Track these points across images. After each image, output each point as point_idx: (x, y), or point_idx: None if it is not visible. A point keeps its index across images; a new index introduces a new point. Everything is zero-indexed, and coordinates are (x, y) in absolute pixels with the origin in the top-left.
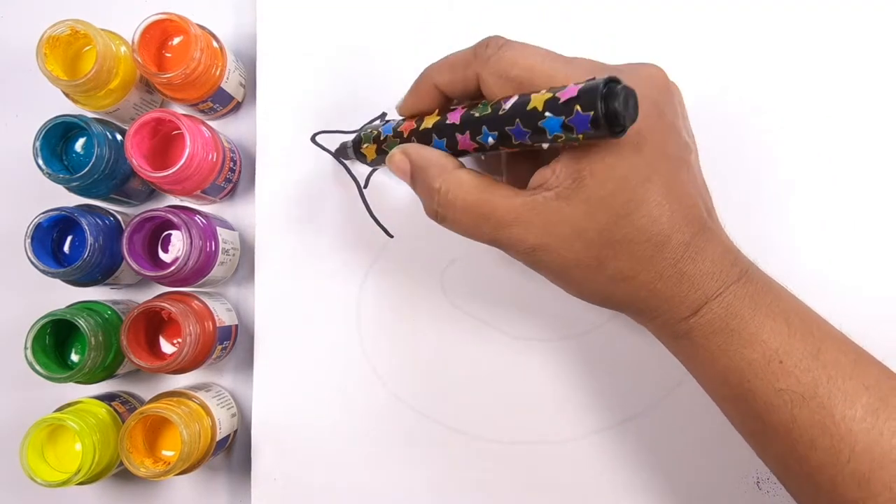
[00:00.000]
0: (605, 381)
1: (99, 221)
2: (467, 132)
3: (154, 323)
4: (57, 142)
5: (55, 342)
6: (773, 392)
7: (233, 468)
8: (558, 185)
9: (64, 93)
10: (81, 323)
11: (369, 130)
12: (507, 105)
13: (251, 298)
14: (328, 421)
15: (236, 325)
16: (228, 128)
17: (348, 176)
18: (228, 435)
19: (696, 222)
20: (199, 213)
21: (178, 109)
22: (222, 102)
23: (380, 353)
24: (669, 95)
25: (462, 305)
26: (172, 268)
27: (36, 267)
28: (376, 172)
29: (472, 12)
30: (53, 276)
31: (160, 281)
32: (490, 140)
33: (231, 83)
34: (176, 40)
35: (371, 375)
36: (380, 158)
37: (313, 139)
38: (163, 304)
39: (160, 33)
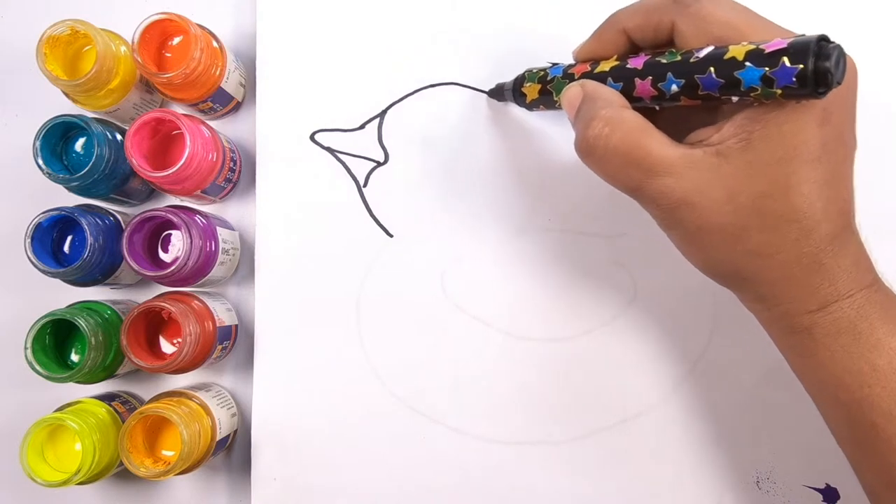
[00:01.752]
0: (605, 381)
1: (99, 221)
2: (649, 77)
3: (154, 323)
4: (57, 142)
5: (55, 342)
6: None
7: (233, 468)
8: (721, 142)
9: (64, 93)
10: (81, 323)
11: (534, 70)
12: (701, 54)
13: (251, 298)
14: (328, 421)
15: (236, 325)
16: (228, 128)
17: (348, 175)
18: (228, 435)
19: (846, 217)
20: (199, 213)
21: (178, 109)
22: (222, 102)
23: (380, 353)
24: (856, 82)
25: (462, 305)
26: (172, 268)
27: (36, 267)
28: (376, 171)
29: (472, 13)
30: (53, 276)
31: (160, 281)
32: (673, 87)
33: (231, 83)
34: (176, 40)
35: (371, 375)
36: (542, 99)
37: (313, 138)
38: (163, 304)
39: (160, 33)
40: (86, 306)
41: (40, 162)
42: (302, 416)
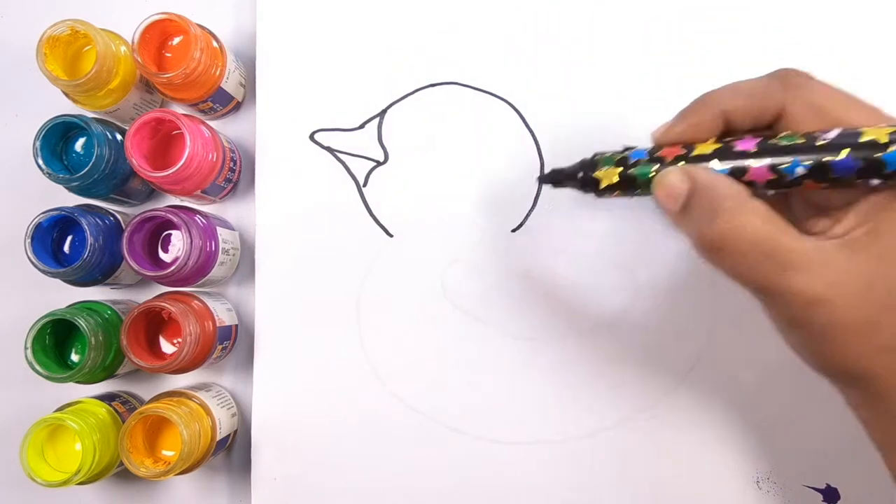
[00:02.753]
0: (605, 381)
1: (99, 221)
2: (767, 160)
3: (154, 323)
4: (57, 142)
5: (55, 342)
6: None
7: (233, 468)
8: (845, 233)
9: (64, 93)
10: (81, 323)
11: (607, 154)
12: (830, 136)
13: (251, 298)
14: (328, 421)
15: (236, 325)
16: (228, 128)
17: (348, 175)
18: (228, 435)
19: None
20: (199, 213)
21: (178, 109)
22: (222, 102)
23: (380, 353)
24: None
25: (462, 305)
26: (172, 268)
27: (36, 267)
28: (376, 171)
29: (472, 13)
30: (53, 276)
31: (160, 281)
32: (799, 170)
33: (231, 83)
34: (176, 40)
35: (371, 375)
36: (622, 185)
37: (313, 138)
38: (163, 304)
39: (160, 33)
40: (86, 306)
41: (40, 162)
42: (302, 416)
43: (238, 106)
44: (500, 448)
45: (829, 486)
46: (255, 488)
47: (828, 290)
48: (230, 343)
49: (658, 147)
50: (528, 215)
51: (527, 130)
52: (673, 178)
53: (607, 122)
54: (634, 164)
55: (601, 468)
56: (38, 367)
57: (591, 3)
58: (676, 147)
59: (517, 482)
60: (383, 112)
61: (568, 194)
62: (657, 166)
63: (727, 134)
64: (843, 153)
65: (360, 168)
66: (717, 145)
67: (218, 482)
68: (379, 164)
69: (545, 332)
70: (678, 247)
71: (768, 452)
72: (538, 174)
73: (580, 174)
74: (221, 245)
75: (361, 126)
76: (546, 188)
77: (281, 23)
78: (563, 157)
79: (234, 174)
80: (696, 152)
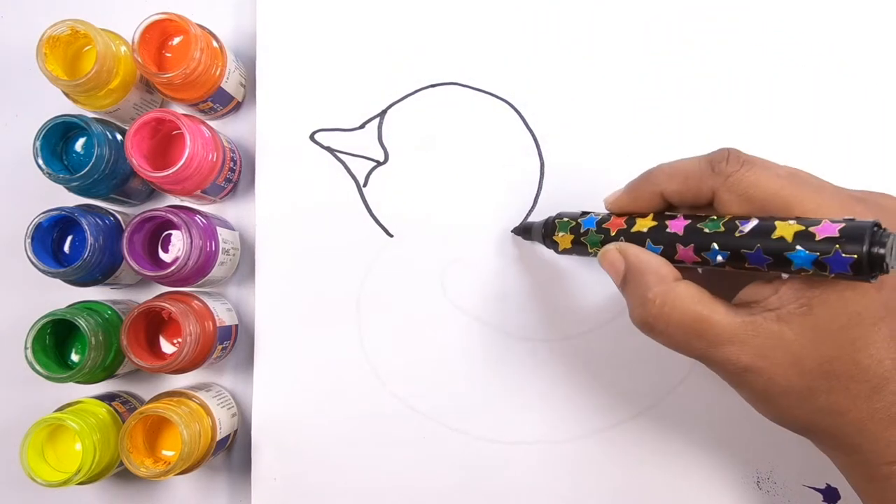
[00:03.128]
0: (605, 381)
1: (99, 221)
2: (691, 245)
3: (154, 323)
4: (57, 142)
5: (55, 342)
6: None
7: (233, 468)
8: (780, 306)
9: (64, 93)
10: (81, 323)
11: (565, 219)
12: (746, 227)
13: (251, 298)
14: (328, 421)
15: (236, 325)
16: (228, 128)
17: (348, 175)
18: (228, 435)
19: None
20: (199, 213)
21: (178, 109)
22: (222, 102)
23: (380, 353)
24: None
25: (462, 305)
26: (172, 268)
27: (36, 267)
28: (376, 171)
29: (472, 13)
30: (53, 276)
31: (160, 281)
32: (719, 258)
33: (231, 83)
34: (176, 40)
35: (371, 375)
36: (575, 249)
37: (313, 138)
38: (163, 304)
39: (160, 33)
40: (86, 306)
41: (40, 162)
42: (302, 416)
43: (238, 106)
44: (500, 448)
45: (829, 486)
46: (255, 488)
47: (757, 360)
48: (230, 343)
49: (606, 217)
50: (528, 215)
51: (527, 130)
52: (611, 255)
53: (607, 122)
54: (585, 234)
55: (601, 468)
56: (38, 367)
57: (591, 3)
58: (621, 219)
59: (517, 482)
60: (383, 112)
61: (568, 192)
62: (603, 237)
63: (670, 207)
64: (755, 247)
65: (360, 168)
66: (653, 223)
67: (218, 482)
68: (379, 164)
69: (545, 332)
70: None
71: (768, 452)
72: (513, 227)
73: (543, 232)
74: (221, 245)
75: (361, 126)
76: (546, 188)
77: (281, 23)
78: (563, 157)
79: (234, 174)
80: (634, 228)
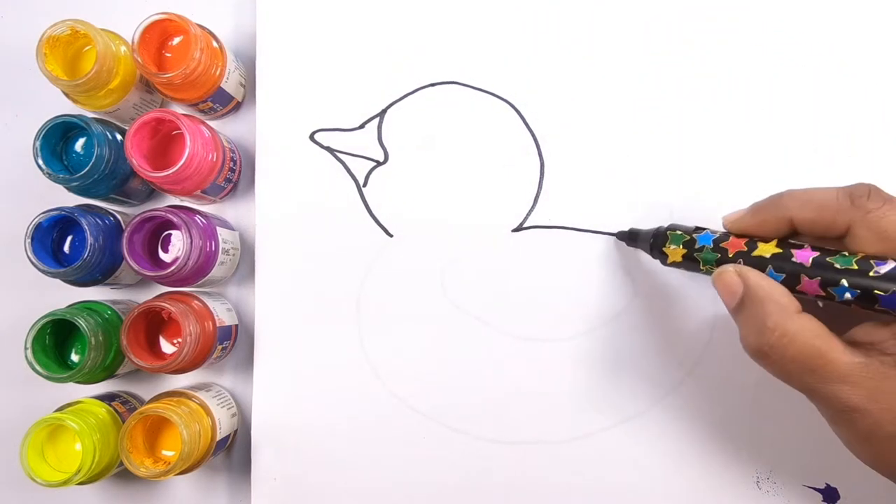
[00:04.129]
0: (606, 380)
1: (99, 221)
2: (818, 278)
3: (154, 323)
4: (57, 142)
5: (55, 342)
6: None
7: (233, 468)
8: None
9: (64, 93)
10: (81, 323)
11: (679, 232)
12: (882, 269)
13: (251, 298)
14: (328, 421)
15: (236, 325)
16: (228, 128)
17: (348, 175)
18: (228, 435)
19: None
20: (199, 213)
21: (178, 109)
22: (222, 102)
23: (380, 353)
24: None
25: (462, 305)
26: (172, 268)
27: (36, 267)
28: (376, 171)
29: (472, 12)
30: (53, 276)
31: (160, 281)
32: (847, 296)
33: (231, 83)
34: (176, 40)
35: (371, 375)
36: (685, 264)
37: (312, 138)
38: (163, 304)
39: (160, 33)
40: (86, 306)
41: (40, 162)
42: (302, 416)
43: (238, 106)
44: (500, 448)
45: (829, 486)
46: (255, 488)
47: (867, 402)
48: (230, 343)
49: (725, 236)
50: (528, 215)
51: (527, 130)
52: (729, 278)
53: (607, 122)
54: (700, 250)
55: (601, 468)
56: (38, 367)
57: (591, 3)
58: (741, 241)
59: (517, 482)
60: (383, 112)
61: (568, 192)
62: (719, 256)
63: (794, 234)
64: (891, 290)
65: (360, 168)
66: (778, 250)
67: (218, 482)
68: (379, 164)
69: (545, 332)
70: None
71: (768, 452)
72: (617, 232)
73: (651, 241)
74: (221, 245)
75: (361, 126)
76: (546, 188)
77: (281, 23)
78: (563, 157)
79: (234, 174)
80: (756, 252)
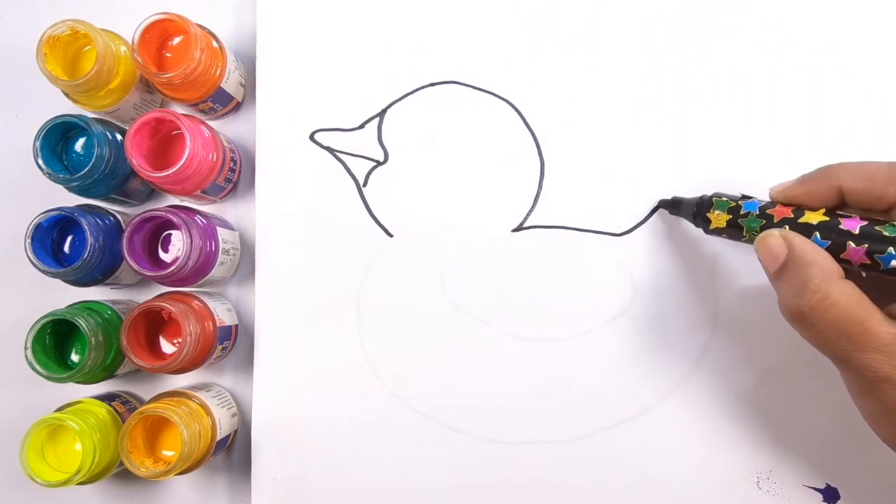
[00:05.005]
0: (605, 381)
1: (99, 221)
2: (864, 245)
3: (154, 323)
4: (57, 142)
5: (55, 342)
6: None
7: (233, 468)
8: None
9: (64, 93)
10: (81, 323)
11: (724, 198)
12: None
13: (251, 298)
14: (328, 421)
15: (236, 325)
16: (228, 128)
17: (348, 175)
18: (228, 435)
19: None
20: (199, 213)
21: (178, 109)
22: (222, 102)
23: (380, 353)
24: None
25: (462, 305)
26: (172, 268)
27: (36, 267)
28: (376, 171)
29: (472, 13)
30: (53, 276)
31: (160, 281)
32: (893, 263)
33: (231, 83)
34: (176, 40)
35: (371, 375)
36: (728, 231)
37: (312, 138)
38: (163, 304)
39: (160, 33)
40: (86, 306)
41: (40, 162)
42: (302, 416)
43: (238, 106)
44: (501, 448)
45: (829, 486)
46: (255, 488)
47: None
48: (230, 343)
49: (771, 203)
50: (528, 215)
51: (527, 130)
52: (773, 241)
53: (607, 122)
54: (745, 216)
55: (601, 468)
56: (38, 367)
57: (591, 3)
58: (787, 208)
59: (517, 482)
60: (383, 112)
61: (568, 192)
62: (764, 223)
63: (841, 206)
64: None
65: (360, 168)
66: (825, 218)
67: (218, 482)
68: (379, 164)
69: (545, 332)
70: (678, 247)
71: (768, 452)
72: (660, 199)
73: (695, 208)
74: (221, 245)
75: (361, 126)
76: (546, 188)
77: (281, 23)
78: (563, 157)
79: (234, 174)
80: (802, 219)
